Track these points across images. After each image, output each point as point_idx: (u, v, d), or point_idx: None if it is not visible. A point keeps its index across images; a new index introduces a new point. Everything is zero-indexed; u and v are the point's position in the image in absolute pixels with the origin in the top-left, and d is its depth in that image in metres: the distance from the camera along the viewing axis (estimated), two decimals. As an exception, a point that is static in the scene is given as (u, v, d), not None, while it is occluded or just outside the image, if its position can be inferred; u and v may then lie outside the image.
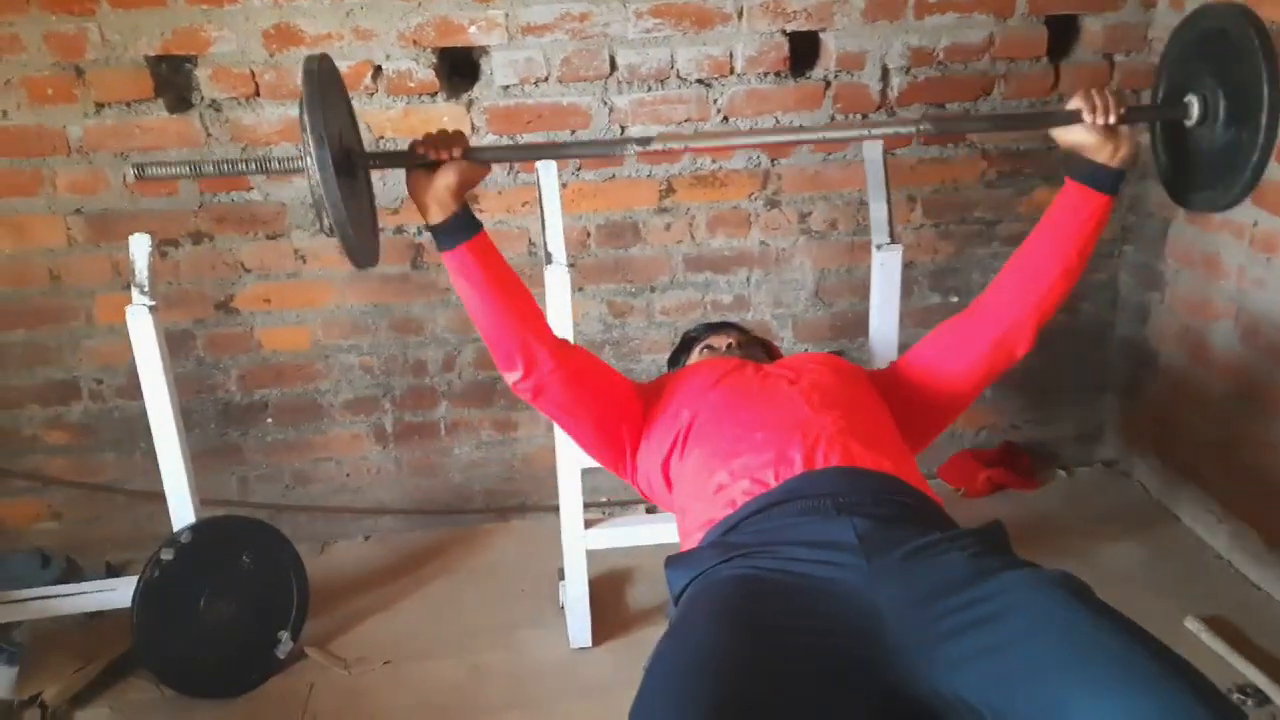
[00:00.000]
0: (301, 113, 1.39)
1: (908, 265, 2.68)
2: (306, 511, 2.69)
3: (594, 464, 2.04)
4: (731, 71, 2.46)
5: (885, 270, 2.11)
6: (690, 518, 1.53)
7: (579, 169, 2.50)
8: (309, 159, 1.36)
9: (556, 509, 2.21)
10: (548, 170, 2.02)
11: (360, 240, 1.48)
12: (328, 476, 2.70)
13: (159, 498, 2.14)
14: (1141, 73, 2.57)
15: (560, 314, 1.99)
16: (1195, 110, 1.59)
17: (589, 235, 2.56)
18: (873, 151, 2.09)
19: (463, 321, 2.60)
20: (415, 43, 2.36)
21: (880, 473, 1.46)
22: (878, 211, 2.10)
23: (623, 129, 2.48)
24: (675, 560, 1.42)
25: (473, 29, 2.36)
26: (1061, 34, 2.54)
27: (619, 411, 1.69)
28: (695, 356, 1.96)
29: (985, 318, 1.68)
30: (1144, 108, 1.60)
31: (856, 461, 1.46)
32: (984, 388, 1.72)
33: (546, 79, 2.42)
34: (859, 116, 2.54)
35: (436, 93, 2.41)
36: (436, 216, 1.54)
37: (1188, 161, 1.64)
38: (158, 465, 2.11)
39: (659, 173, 2.53)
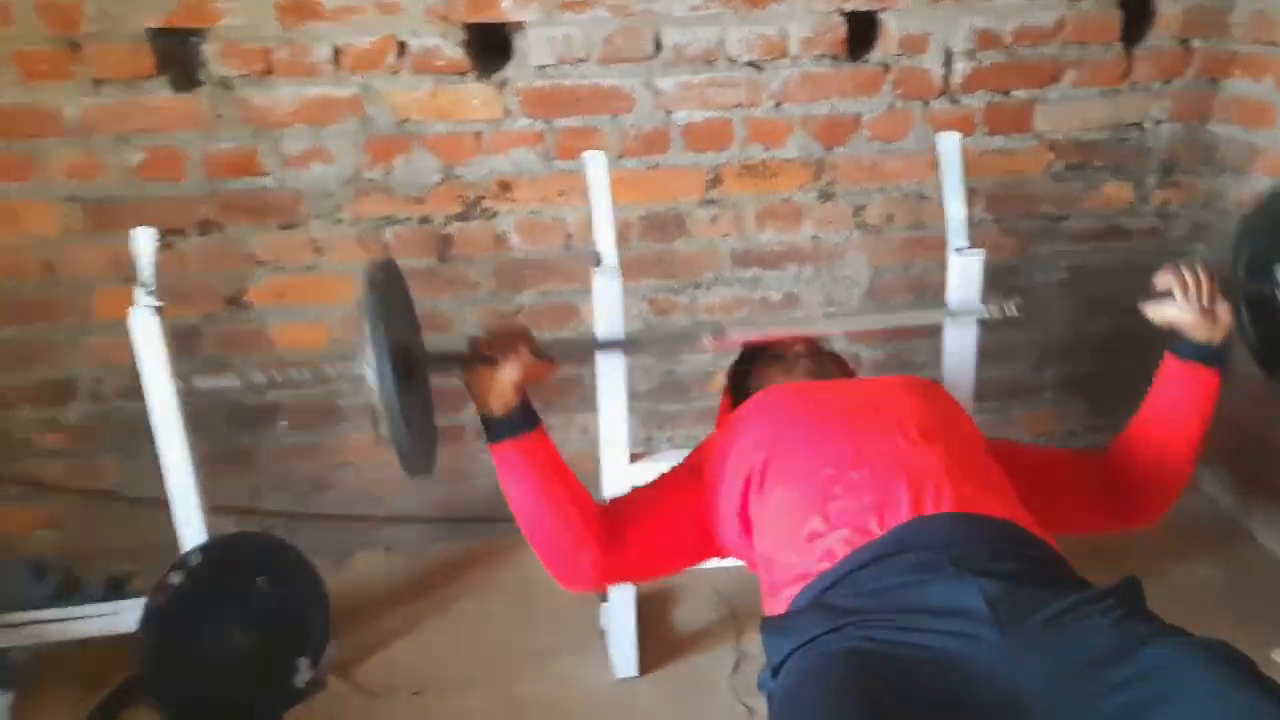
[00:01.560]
0: (363, 320, 1.30)
1: (966, 262, 2.52)
2: (324, 521, 2.51)
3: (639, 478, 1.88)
4: (785, 54, 2.27)
5: (965, 277, 1.92)
6: (779, 570, 1.35)
7: (620, 156, 2.32)
8: (369, 369, 1.27)
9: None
10: (596, 161, 1.84)
11: (417, 449, 1.36)
12: (346, 483, 2.52)
13: (165, 505, 1.97)
14: (1221, 60, 2.40)
15: (611, 320, 1.82)
16: None
17: (630, 228, 2.38)
18: (948, 144, 1.91)
19: (493, 317, 2.42)
20: (444, 18, 2.16)
21: (998, 519, 1.29)
22: (954, 212, 1.92)
23: (668, 113, 2.29)
24: (773, 626, 1.25)
25: (506, 3, 2.17)
26: (1136, 17, 2.36)
27: (689, 526, 1.53)
28: (762, 365, 1.78)
29: (1120, 490, 1.60)
30: (1234, 282, 1.56)
31: (970, 506, 1.29)
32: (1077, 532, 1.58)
33: (586, 59, 2.23)
34: (920, 103, 2.36)
35: (466, 72, 2.22)
36: (495, 410, 1.41)
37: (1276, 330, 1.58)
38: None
39: (705, 161, 2.34)
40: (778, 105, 2.32)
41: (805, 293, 2.49)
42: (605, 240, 1.82)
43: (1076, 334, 2.60)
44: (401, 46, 2.17)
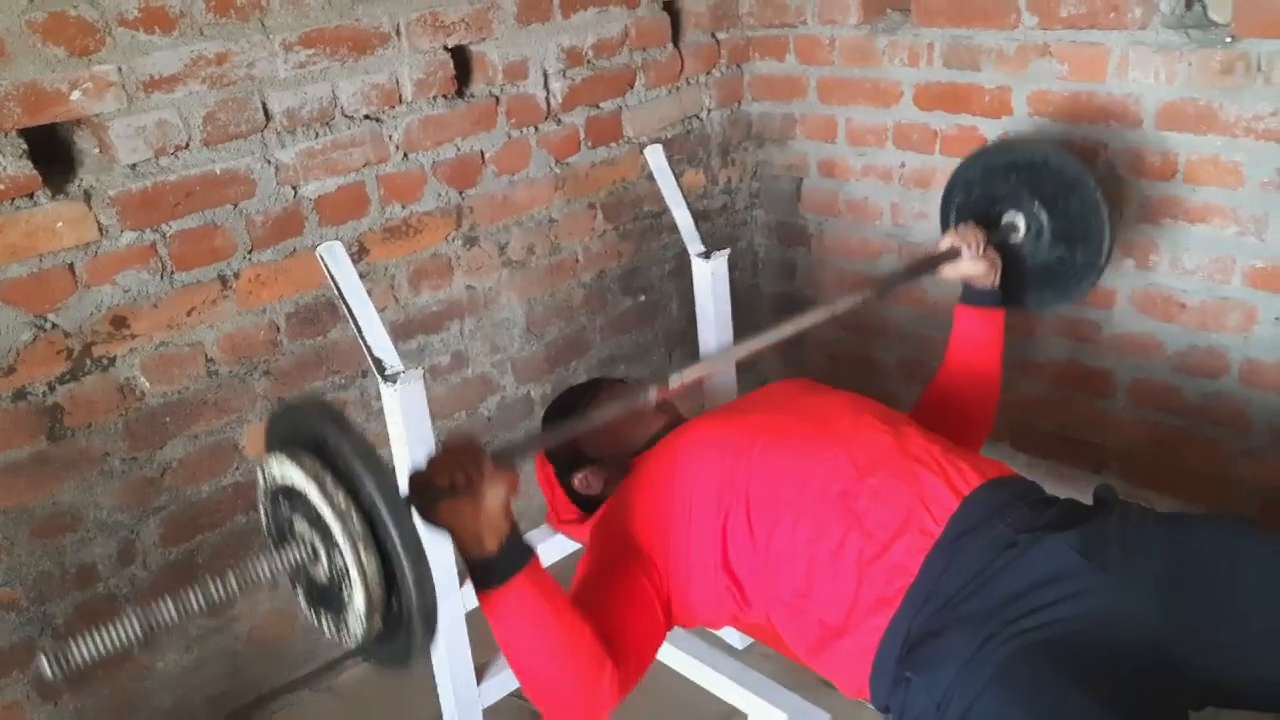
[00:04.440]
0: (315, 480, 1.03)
1: (599, 274, 2.55)
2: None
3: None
4: (400, 100, 2.07)
5: (716, 280, 1.95)
6: (829, 607, 1.29)
7: (250, 250, 1.93)
8: (349, 549, 1.02)
9: (306, 680, 1.90)
10: (333, 254, 1.52)
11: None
12: (-14, 777, 1.81)
13: None
14: (740, 47, 2.69)
15: (419, 436, 1.53)
16: (1021, 228, 1.83)
17: (278, 330, 2.01)
18: (656, 157, 1.91)
19: (135, 491, 1.89)
20: (-9, 126, 1.61)
21: (1010, 476, 1.38)
22: (683, 219, 1.93)
23: (295, 189, 1.96)
24: (916, 663, 1.19)
25: (75, 94, 1.68)
26: (678, 18, 2.55)
27: (658, 610, 1.38)
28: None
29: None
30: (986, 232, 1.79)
31: (987, 473, 1.36)
32: None
33: (188, 145, 1.82)
34: (532, 129, 2.31)
35: (36, 191, 1.67)
36: (491, 544, 1.14)
37: (1013, 268, 1.81)
38: None
39: (346, 234, 2.05)
40: (406, 156, 2.10)
41: (471, 347, 2.32)
42: (382, 344, 1.51)
43: (690, 315, 2.77)
44: (-63, 175, 1.57)
